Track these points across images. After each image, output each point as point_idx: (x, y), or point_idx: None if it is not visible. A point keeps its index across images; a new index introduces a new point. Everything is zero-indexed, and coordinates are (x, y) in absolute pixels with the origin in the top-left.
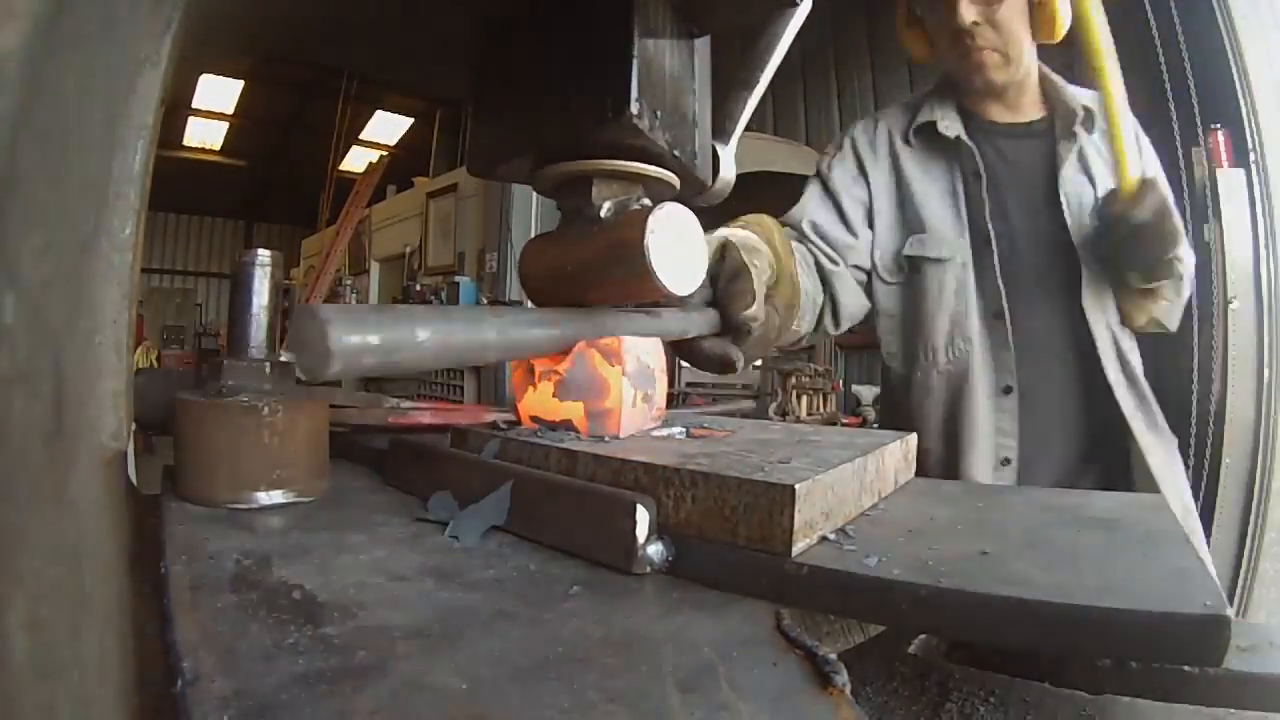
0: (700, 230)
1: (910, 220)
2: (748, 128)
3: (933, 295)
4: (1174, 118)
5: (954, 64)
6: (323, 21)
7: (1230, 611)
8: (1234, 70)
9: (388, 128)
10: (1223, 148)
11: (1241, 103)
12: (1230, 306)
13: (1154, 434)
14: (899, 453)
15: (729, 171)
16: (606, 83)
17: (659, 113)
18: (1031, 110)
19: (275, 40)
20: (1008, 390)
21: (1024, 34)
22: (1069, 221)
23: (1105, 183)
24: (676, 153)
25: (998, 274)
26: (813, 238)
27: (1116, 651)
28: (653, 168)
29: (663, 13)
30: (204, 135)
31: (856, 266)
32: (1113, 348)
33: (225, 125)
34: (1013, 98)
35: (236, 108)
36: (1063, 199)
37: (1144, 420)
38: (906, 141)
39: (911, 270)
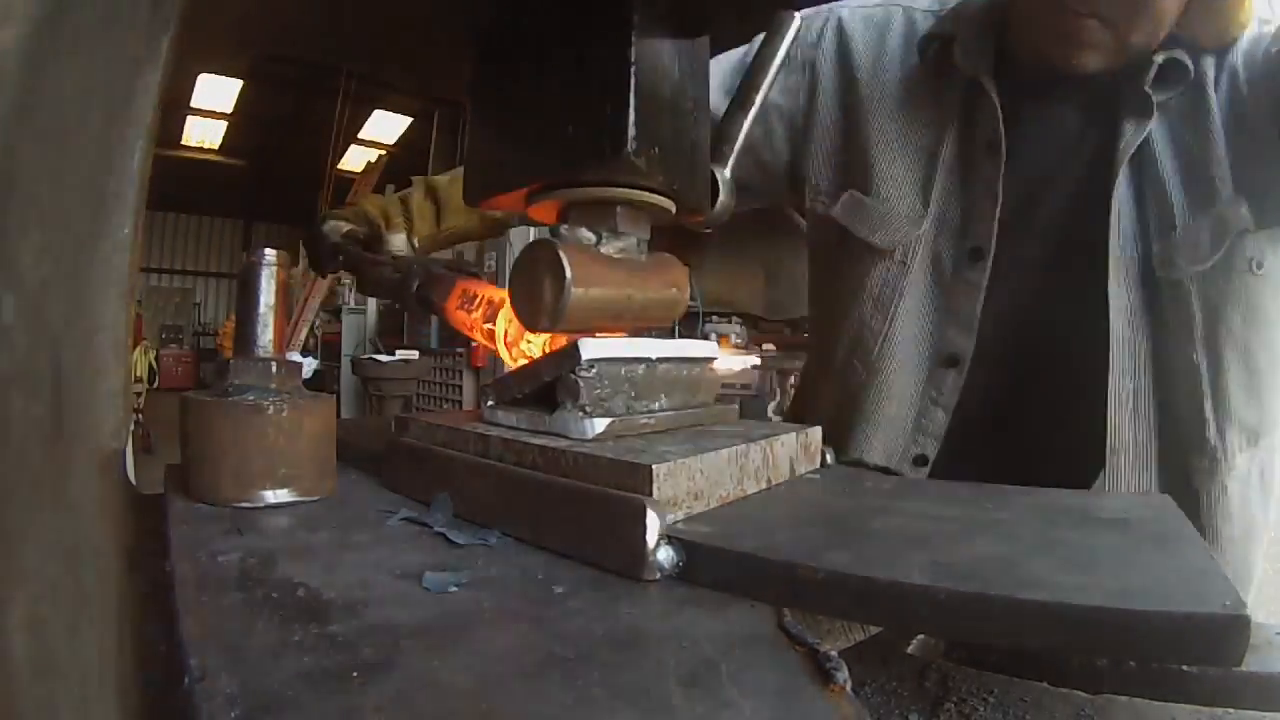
0: None
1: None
2: None
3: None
4: None
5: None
6: (321, 20)
7: (1249, 611)
8: None
9: (386, 127)
10: None
11: None
12: None
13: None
14: (795, 444)
15: (727, 195)
16: (604, 118)
17: (656, 148)
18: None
19: (273, 39)
20: None
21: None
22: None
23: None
24: (675, 186)
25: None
26: None
27: (1138, 653)
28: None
29: (661, 36)
30: (203, 134)
31: None
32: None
33: (224, 124)
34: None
35: (235, 107)
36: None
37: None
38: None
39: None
